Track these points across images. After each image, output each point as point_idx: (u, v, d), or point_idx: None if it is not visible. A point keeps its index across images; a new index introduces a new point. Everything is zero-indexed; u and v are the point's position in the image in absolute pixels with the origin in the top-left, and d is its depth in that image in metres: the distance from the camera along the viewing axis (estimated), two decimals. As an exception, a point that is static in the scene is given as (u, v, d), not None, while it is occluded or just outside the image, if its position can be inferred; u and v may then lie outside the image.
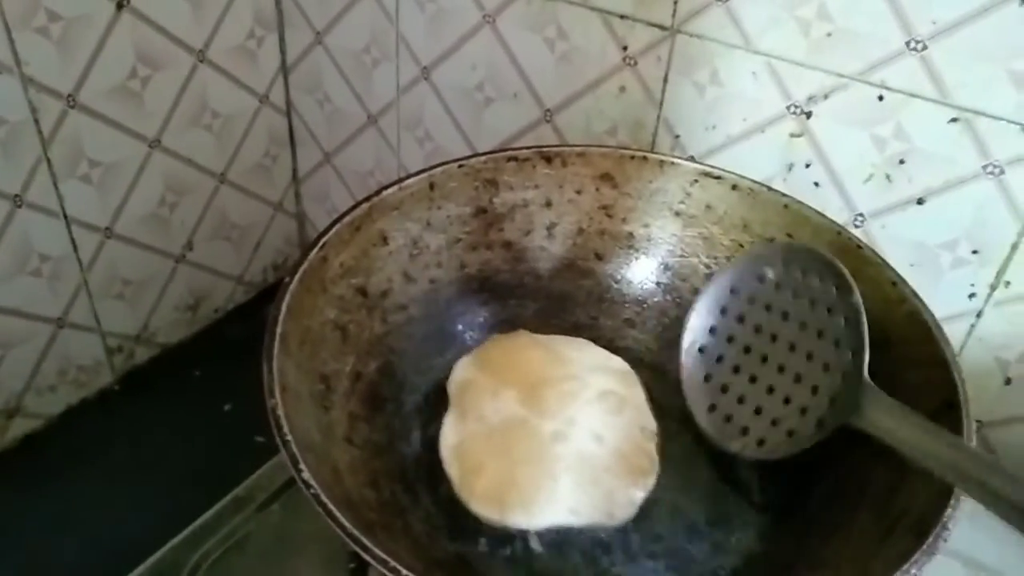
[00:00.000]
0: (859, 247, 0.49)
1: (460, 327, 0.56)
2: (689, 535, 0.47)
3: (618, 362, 0.54)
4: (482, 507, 0.46)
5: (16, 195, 0.73)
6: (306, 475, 0.36)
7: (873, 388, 0.43)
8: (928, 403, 0.42)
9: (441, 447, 0.49)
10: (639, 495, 0.47)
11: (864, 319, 0.44)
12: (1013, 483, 0.35)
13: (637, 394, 0.52)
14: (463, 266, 0.56)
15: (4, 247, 0.74)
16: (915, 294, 0.46)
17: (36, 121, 0.72)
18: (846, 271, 0.46)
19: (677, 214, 0.56)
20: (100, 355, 0.87)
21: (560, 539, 0.46)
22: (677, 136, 0.67)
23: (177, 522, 0.55)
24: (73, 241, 0.79)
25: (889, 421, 0.41)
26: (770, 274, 0.50)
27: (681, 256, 0.56)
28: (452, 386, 0.52)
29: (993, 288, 0.57)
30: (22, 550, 0.72)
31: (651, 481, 0.48)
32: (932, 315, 0.45)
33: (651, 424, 0.51)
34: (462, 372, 0.52)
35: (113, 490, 0.76)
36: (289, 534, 0.55)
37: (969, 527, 0.39)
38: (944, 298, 0.57)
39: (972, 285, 0.58)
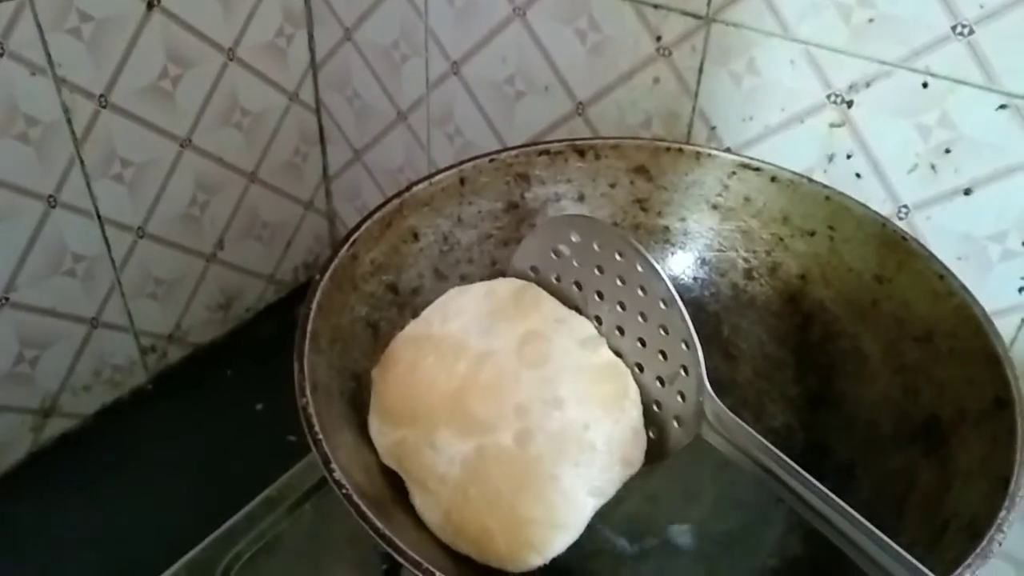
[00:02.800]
0: (904, 239, 0.48)
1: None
2: (726, 535, 0.46)
3: (502, 288, 0.47)
4: (520, 562, 0.40)
5: (50, 195, 0.73)
6: (338, 475, 0.36)
7: (713, 402, 0.41)
8: (977, 400, 0.41)
9: (436, 534, 0.41)
10: (636, 417, 0.42)
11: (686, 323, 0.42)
12: (836, 507, 0.36)
13: (540, 306, 0.45)
14: (494, 262, 0.55)
15: (39, 247, 0.74)
16: (964, 287, 0.45)
17: (69, 121, 0.72)
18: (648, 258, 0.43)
19: (714, 207, 0.55)
20: (134, 355, 0.88)
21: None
22: (713, 127, 0.65)
23: (209, 522, 0.55)
24: (106, 241, 0.80)
25: (726, 441, 0.40)
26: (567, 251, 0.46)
27: (719, 250, 0.55)
28: (387, 460, 0.43)
29: (1044, 281, 0.55)
30: (56, 549, 0.72)
31: (633, 393, 0.43)
32: (982, 308, 0.43)
33: (580, 323, 0.45)
34: (382, 439, 0.43)
35: (146, 489, 0.77)
36: (321, 534, 0.54)
37: (1021, 528, 0.37)
38: (993, 291, 0.55)
39: (1022, 278, 0.56)
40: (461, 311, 0.46)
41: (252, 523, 0.54)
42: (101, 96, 0.74)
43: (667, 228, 0.56)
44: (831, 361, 0.49)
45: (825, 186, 0.51)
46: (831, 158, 0.60)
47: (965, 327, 0.43)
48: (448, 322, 0.46)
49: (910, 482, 0.42)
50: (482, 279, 0.55)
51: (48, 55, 0.69)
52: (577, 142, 0.55)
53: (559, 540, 0.40)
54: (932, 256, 0.46)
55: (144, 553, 0.54)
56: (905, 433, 0.43)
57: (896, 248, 0.48)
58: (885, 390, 0.46)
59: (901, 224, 0.55)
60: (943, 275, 0.45)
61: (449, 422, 0.42)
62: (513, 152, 0.54)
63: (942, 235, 0.58)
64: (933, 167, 0.57)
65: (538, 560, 0.40)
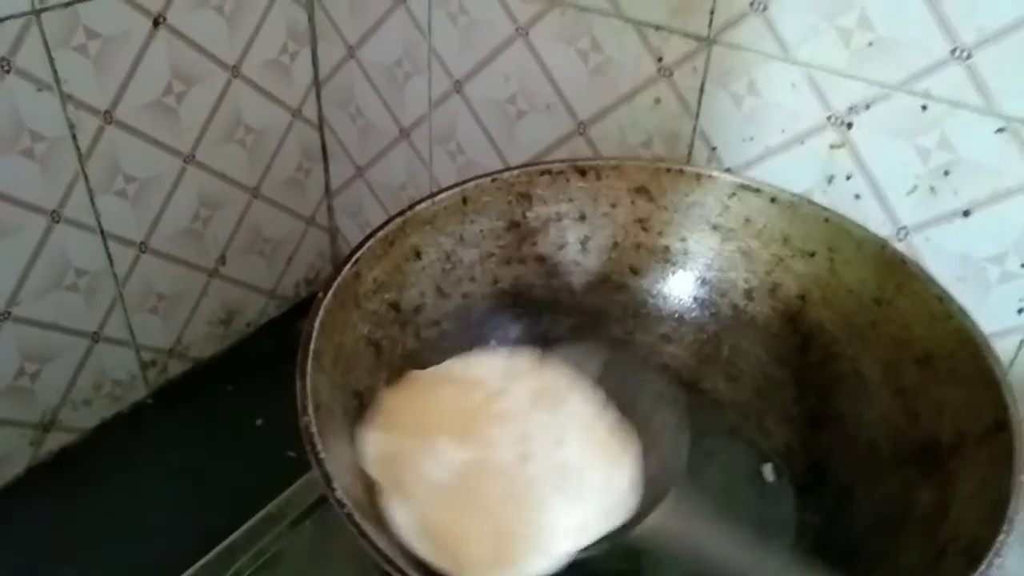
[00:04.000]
0: (903, 261, 0.48)
1: (493, 343, 0.55)
2: (723, 559, 0.46)
3: (523, 358, 0.49)
4: (493, 575, 0.39)
5: (54, 210, 0.74)
6: (340, 494, 0.36)
7: None
8: (976, 423, 0.41)
9: (409, 540, 0.40)
10: (630, 476, 0.43)
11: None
12: None
13: (559, 377, 0.48)
14: (496, 281, 0.56)
15: (42, 262, 0.75)
16: (963, 310, 0.45)
17: (74, 137, 0.73)
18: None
19: (715, 228, 0.55)
20: (134, 369, 0.88)
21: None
22: (714, 148, 0.66)
23: (208, 538, 0.55)
24: (109, 256, 0.80)
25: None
26: None
27: (719, 271, 0.55)
28: (371, 467, 0.42)
29: (1043, 303, 0.56)
30: (55, 563, 0.72)
31: (633, 454, 0.44)
32: (981, 331, 0.44)
33: (592, 398, 0.46)
34: (376, 446, 0.43)
35: (145, 504, 0.77)
36: (321, 552, 0.54)
37: (1021, 552, 0.37)
38: (992, 313, 0.56)
39: (1021, 300, 0.56)
40: (482, 363, 0.49)
41: (252, 540, 0.53)
42: (106, 112, 0.74)
43: (667, 248, 0.56)
44: (830, 382, 0.50)
45: (825, 208, 0.52)
46: (831, 179, 0.61)
47: (964, 349, 0.44)
48: (470, 368, 0.49)
49: (909, 504, 0.42)
50: (483, 297, 0.55)
51: (54, 72, 0.69)
52: (579, 162, 0.55)
53: (535, 563, 0.39)
54: (931, 278, 0.47)
55: (142, 568, 0.54)
56: (904, 455, 0.44)
57: (895, 270, 0.48)
58: (884, 411, 0.46)
59: (900, 245, 0.55)
60: (942, 297, 0.46)
61: (454, 433, 0.43)
62: (515, 171, 0.55)
63: (941, 256, 0.58)
64: (932, 189, 0.57)
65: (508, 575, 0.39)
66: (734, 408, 0.54)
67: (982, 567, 0.34)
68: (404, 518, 0.40)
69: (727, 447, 0.52)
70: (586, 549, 0.40)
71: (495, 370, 0.48)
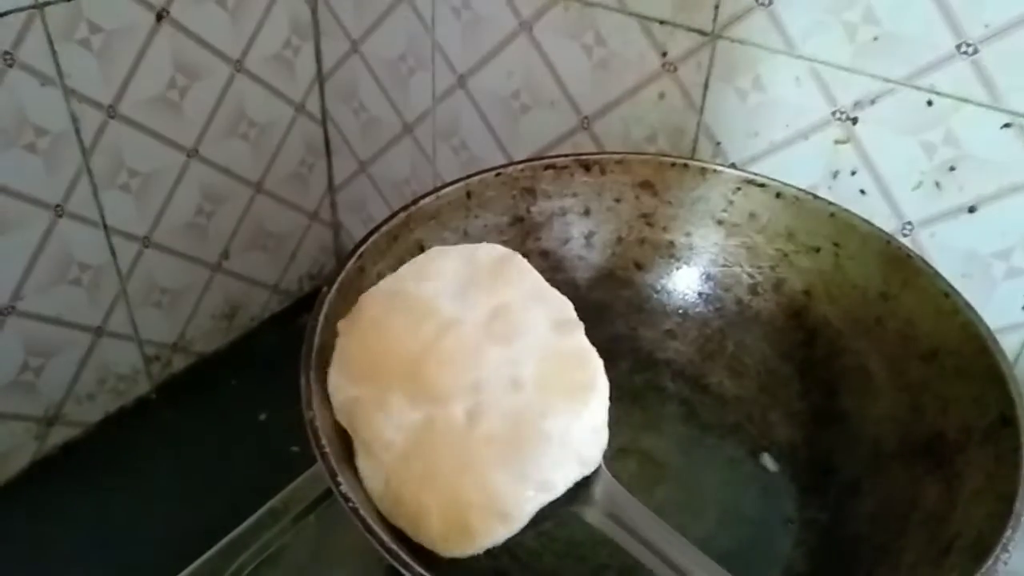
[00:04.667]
0: (909, 257, 0.48)
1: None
2: (731, 551, 0.46)
3: (483, 255, 0.45)
4: (451, 547, 0.37)
5: (57, 205, 0.74)
6: (344, 488, 0.36)
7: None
8: (982, 418, 0.41)
9: (375, 502, 0.39)
10: (599, 414, 0.40)
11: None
12: None
13: (520, 279, 0.43)
14: (500, 276, 0.55)
15: (45, 256, 0.75)
16: (969, 305, 0.45)
17: (77, 131, 0.73)
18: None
19: (719, 223, 0.55)
20: (138, 364, 0.88)
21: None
22: (718, 143, 0.65)
23: (212, 532, 0.55)
24: (112, 250, 0.80)
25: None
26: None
27: (724, 266, 0.55)
28: (340, 416, 0.41)
29: (1049, 299, 0.56)
30: (59, 558, 0.72)
31: (601, 388, 0.40)
32: (987, 327, 0.43)
33: (563, 310, 0.42)
34: (338, 394, 0.41)
35: (149, 499, 0.77)
36: (325, 547, 0.54)
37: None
38: (998, 309, 0.55)
39: (1027, 296, 0.56)
40: (439, 273, 0.44)
41: (256, 535, 0.53)
42: (110, 106, 0.74)
43: (672, 243, 0.56)
44: (835, 377, 0.50)
45: (830, 203, 0.51)
46: (836, 174, 0.61)
47: (970, 345, 0.43)
48: (423, 282, 0.44)
49: (914, 500, 0.42)
50: (487, 292, 0.55)
51: (58, 66, 0.69)
52: (583, 157, 0.55)
53: (496, 530, 0.37)
54: (937, 274, 0.47)
55: (146, 563, 0.54)
56: (910, 450, 0.43)
57: (901, 265, 0.48)
58: (890, 407, 0.46)
59: (905, 241, 0.55)
60: (948, 293, 0.45)
61: (403, 386, 0.40)
62: (519, 166, 0.55)
63: (946, 252, 0.58)
64: (938, 184, 0.57)
65: (470, 548, 0.37)
66: (738, 404, 0.53)
67: (988, 563, 0.34)
68: (371, 483, 0.39)
69: (730, 443, 0.51)
70: (552, 507, 0.38)
71: (449, 282, 0.43)
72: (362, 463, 0.39)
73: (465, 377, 0.40)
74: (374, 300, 0.44)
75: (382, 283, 0.45)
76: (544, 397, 0.39)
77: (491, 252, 0.45)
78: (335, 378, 0.41)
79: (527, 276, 0.44)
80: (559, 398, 0.39)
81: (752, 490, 0.49)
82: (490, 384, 0.39)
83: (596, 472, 0.39)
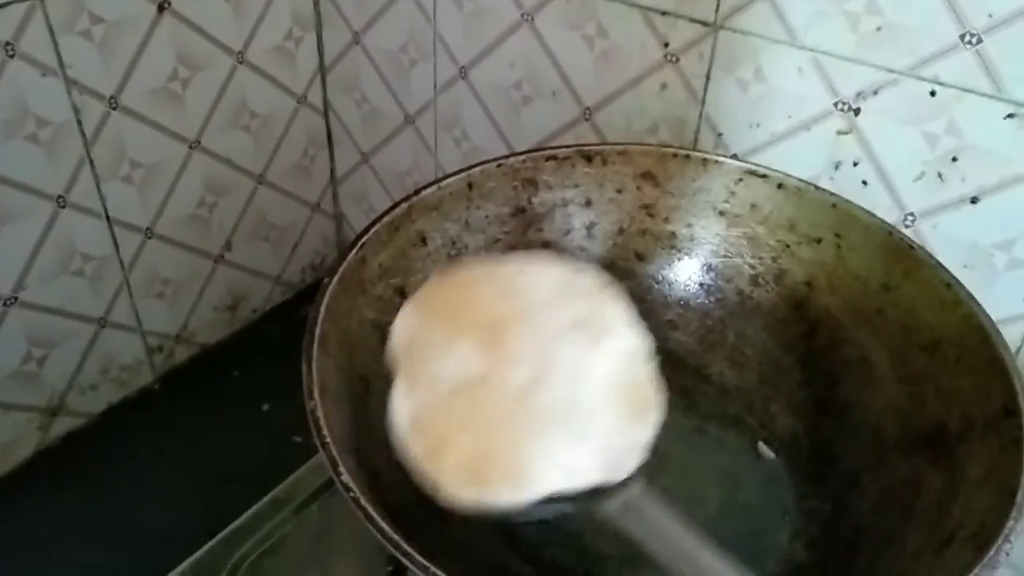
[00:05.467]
0: (912, 248, 0.48)
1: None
2: (730, 540, 0.46)
3: (588, 277, 0.45)
4: (456, 488, 0.38)
5: (60, 196, 0.74)
6: (345, 478, 0.36)
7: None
8: (984, 409, 0.41)
9: (394, 424, 0.39)
10: (643, 435, 0.40)
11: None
12: None
13: (618, 313, 0.44)
14: (502, 267, 0.55)
15: (48, 247, 0.75)
16: (971, 296, 0.45)
17: (79, 123, 0.73)
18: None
19: (721, 213, 0.55)
20: (141, 354, 0.88)
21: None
22: (720, 134, 0.65)
23: (215, 522, 0.55)
24: (115, 241, 0.80)
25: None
26: None
27: (725, 256, 0.55)
28: (396, 346, 0.42)
29: (1051, 290, 0.55)
30: (61, 547, 0.73)
31: (654, 416, 0.41)
32: (989, 318, 0.43)
33: (642, 345, 0.42)
34: (404, 327, 0.42)
35: (151, 489, 0.77)
36: (327, 536, 0.54)
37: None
38: (999, 300, 0.55)
39: (1029, 287, 0.56)
40: (539, 272, 0.45)
41: (258, 524, 0.54)
42: (111, 98, 0.74)
43: (673, 234, 0.56)
44: (837, 368, 0.50)
45: (832, 193, 0.51)
46: (837, 165, 0.60)
47: (972, 336, 0.43)
48: (523, 274, 0.44)
49: (916, 491, 0.42)
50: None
51: (59, 56, 0.69)
52: (584, 148, 0.55)
53: (504, 493, 0.37)
54: (939, 264, 0.46)
55: (149, 552, 0.55)
56: (911, 441, 0.43)
57: (903, 256, 0.48)
58: (891, 398, 0.46)
59: (907, 232, 0.55)
60: (950, 284, 0.45)
61: (477, 335, 0.41)
62: (521, 157, 0.55)
63: (948, 243, 0.58)
64: (940, 175, 0.57)
65: (472, 497, 0.37)
66: (739, 394, 0.53)
67: (991, 553, 0.34)
68: (402, 407, 0.39)
69: (731, 433, 0.51)
70: (562, 498, 0.38)
71: (549, 282, 0.44)
72: (398, 396, 0.40)
73: (536, 350, 0.40)
74: (475, 265, 0.45)
75: (486, 259, 0.47)
76: (603, 399, 0.40)
77: (596, 274, 0.46)
78: (408, 311, 0.42)
79: (621, 303, 0.44)
80: (612, 408, 0.40)
81: (753, 481, 0.49)
82: (558, 368, 0.40)
83: (622, 483, 0.39)
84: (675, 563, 0.38)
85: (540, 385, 0.39)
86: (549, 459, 0.38)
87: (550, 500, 0.38)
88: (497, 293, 0.43)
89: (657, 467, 0.50)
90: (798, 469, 0.49)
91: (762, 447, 0.51)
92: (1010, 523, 0.35)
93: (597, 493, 0.39)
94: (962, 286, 0.45)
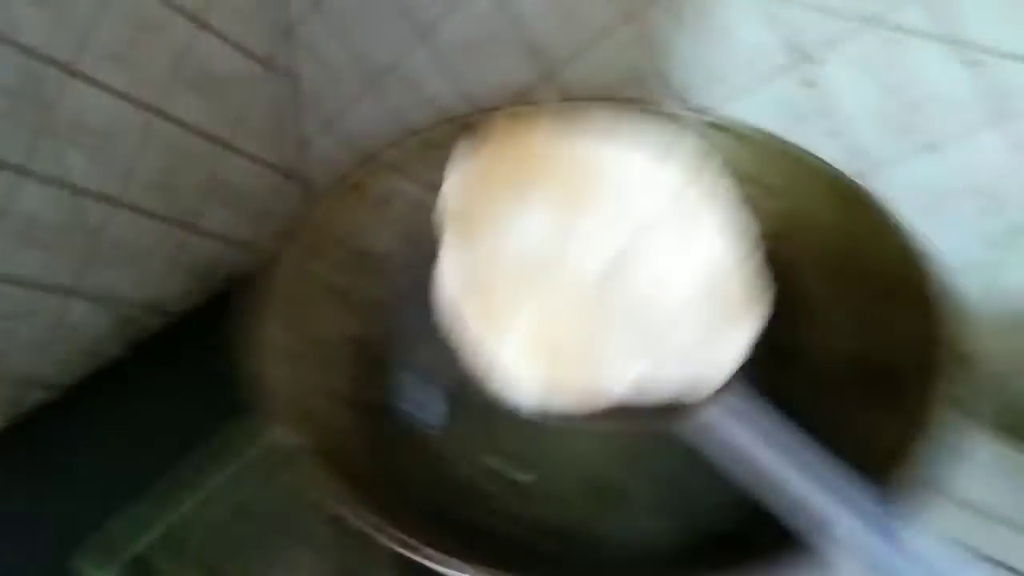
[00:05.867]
0: (870, 197, 0.48)
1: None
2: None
3: (677, 167, 0.39)
4: (524, 364, 0.31)
5: (20, 164, 0.72)
6: (299, 441, 0.36)
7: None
8: (938, 356, 0.41)
9: (443, 285, 0.34)
10: (731, 350, 0.34)
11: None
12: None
13: (710, 214, 0.38)
14: (465, 226, 0.55)
15: (9, 218, 0.74)
16: (928, 245, 0.45)
17: (36, 90, 0.71)
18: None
19: (682, 168, 0.55)
20: (110, 325, 0.88)
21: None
22: (680, 88, 0.65)
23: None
24: (79, 210, 0.79)
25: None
26: None
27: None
28: (450, 198, 0.36)
29: (1013, 236, 0.56)
30: (31, 520, 0.73)
31: (749, 327, 0.35)
32: (946, 266, 0.44)
33: (734, 250, 0.37)
34: (462, 187, 0.36)
35: (123, 460, 0.77)
36: (283, 500, 0.55)
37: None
38: (957, 248, 0.55)
39: (987, 234, 0.56)
40: (624, 154, 0.38)
41: (216, 488, 0.54)
42: (68, 63, 0.73)
43: (636, 189, 0.56)
44: (794, 317, 0.50)
45: (793, 145, 0.51)
46: (799, 118, 0.60)
47: (928, 285, 0.44)
48: (605, 152, 0.38)
49: (868, 437, 0.42)
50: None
51: (12, 21, 0.67)
52: (544, 105, 0.55)
53: (566, 398, 0.31)
54: (897, 213, 0.47)
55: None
56: (866, 387, 0.44)
57: (862, 206, 0.48)
58: (846, 344, 0.46)
59: (868, 182, 0.55)
60: (907, 232, 0.46)
61: (552, 203, 0.35)
62: (483, 114, 0.54)
63: (908, 192, 0.57)
64: (900, 125, 0.57)
65: (542, 377, 0.31)
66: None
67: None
68: (456, 269, 0.34)
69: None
70: (630, 410, 0.32)
71: (635, 169, 0.37)
72: (451, 249, 0.35)
73: (619, 243, 0.35)
74: (547, 128, 0.38)
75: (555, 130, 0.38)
76: (685, 307, 0.35)
77: (686, 161, 0.39)
78: (469, 170, 0.37)
79: (714, 199, 0.39)
80: (699, 316, 0.35)
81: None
82: (640, 262, 0.35)
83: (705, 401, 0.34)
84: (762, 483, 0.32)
85: (619, 280, 0.34)
86: (623, 363, 0.33)
87: (615, 413, 0.32)
88: (572, 169, 0.37)
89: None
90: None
91: None
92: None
93: (669, 410, 0.33)
94: (919, 234, 0.45)
